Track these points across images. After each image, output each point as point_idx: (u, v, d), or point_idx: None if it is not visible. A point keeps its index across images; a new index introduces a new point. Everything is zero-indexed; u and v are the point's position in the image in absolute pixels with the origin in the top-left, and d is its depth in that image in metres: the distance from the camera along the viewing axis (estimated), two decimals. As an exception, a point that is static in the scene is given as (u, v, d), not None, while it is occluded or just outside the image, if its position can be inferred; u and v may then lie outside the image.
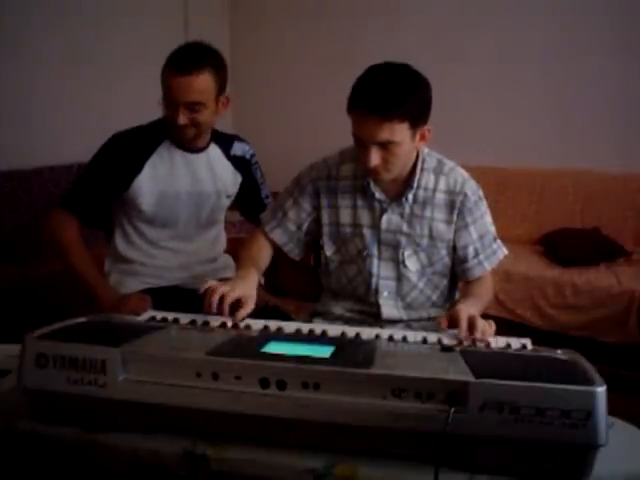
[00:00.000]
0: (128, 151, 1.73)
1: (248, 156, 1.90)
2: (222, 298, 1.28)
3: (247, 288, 1.36)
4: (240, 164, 1.88)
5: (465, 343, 1.15)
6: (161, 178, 1.75)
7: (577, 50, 3.39)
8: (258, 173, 1.93)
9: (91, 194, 1.74)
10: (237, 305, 1.30)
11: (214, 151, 1.83)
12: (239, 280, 1.39)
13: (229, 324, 1.21)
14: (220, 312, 1.26)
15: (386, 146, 1.35)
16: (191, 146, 1.77)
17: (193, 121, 1.64)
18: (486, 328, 1.20)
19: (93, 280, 1.73)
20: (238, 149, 1.88)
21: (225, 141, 1.86)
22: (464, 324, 1.19)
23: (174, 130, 1.69)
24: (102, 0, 3.45)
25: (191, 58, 1.61)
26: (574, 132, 3.45)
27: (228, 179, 1.86)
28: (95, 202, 1.76)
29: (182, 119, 1.62)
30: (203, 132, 1.72)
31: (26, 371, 0.97)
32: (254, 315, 1.30)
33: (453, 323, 1.23)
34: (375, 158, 1.36)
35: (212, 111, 1.67)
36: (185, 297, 1.79)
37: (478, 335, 1.17)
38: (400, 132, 1.34)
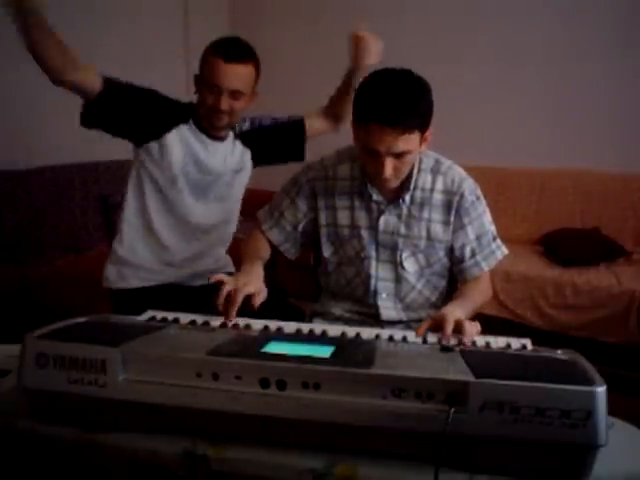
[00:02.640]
0: (164, 105, 1.74)
1: (249, 122, 1.91)
2: (230, 296, 1.26)
3: (255, 281, 1.35)
4: (246, 137, 1.90)
5: (451, 343, 1.12)
6: (188, 143, 1.78)
7: (577, 51, 3.39)
8: (265, 121, 1.95)
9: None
10: (248, 299, 1.29)
11: (229, 139, 1.87)
12: (246, 275, 1.37)
13: (229, 324, 1.21)
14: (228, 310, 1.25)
15: (400, 155, 1.35)
16: (215, 134, 1.80)
17: (231, 108, 1.71)
18: (472, 331, 1.17)
19: None
20: (244, 125, 1.91)
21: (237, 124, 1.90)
22: (449, 329, 1.16)
23: (208, 114, 1.73)
24: (102, 0, 3.44)
25: (240, 49, 1.69)
26: (574, 132, 3.45)
27: (237, 157, 1.89)
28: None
29: (224, 104, 1.68)
30: (234, 121, 1.79)
31: (26, 371, 0.97)
32: (270, 311, 1.29)
33: (438, 327, 1.19)
34: (389, 169, 1.36)
35: (246, 102, 1.74)
36: (184, 295, 1.80)
37: (466, 340, 1.14)
38: (414, 141, 1.35)
